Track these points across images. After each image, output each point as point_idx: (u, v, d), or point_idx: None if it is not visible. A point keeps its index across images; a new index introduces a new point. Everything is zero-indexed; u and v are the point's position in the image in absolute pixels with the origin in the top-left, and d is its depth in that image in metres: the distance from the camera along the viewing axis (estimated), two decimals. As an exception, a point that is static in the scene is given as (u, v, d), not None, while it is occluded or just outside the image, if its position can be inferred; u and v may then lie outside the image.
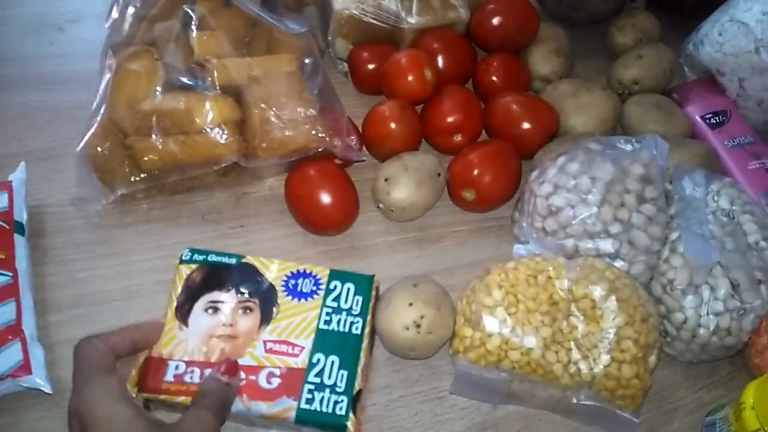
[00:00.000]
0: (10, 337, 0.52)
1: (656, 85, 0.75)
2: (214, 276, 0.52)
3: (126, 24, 0.64)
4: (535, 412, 0.55)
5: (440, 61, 0.71)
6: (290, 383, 0.48)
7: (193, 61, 0.61)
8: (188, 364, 0.48)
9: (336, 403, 0.47)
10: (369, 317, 0.51)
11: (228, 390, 0.46)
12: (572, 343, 0.51)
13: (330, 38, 0.74)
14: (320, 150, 0.61)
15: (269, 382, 0.48)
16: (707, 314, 0.54)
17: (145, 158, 0.59)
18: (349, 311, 0.51)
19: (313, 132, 0.61)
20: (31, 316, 0.54)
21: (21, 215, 0.59)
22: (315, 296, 0.51)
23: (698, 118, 0.73)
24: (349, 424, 0.47)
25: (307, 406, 0.47)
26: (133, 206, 0.63)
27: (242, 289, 0.51)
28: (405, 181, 0.62)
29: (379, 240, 0.64)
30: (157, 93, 0.60)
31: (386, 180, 0.62)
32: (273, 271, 0.52)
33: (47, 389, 0.51)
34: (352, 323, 0.50)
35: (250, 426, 0.52)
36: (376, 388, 0.55)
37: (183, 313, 0.50)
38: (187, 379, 0.47)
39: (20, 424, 0.51)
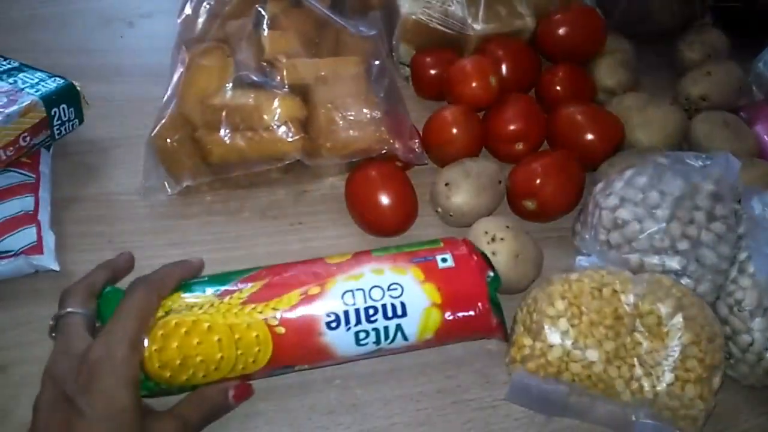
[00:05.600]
0: (26, 222, 0.57)
1: (724, 102, 0.73)
2: None
3: (199, 20, 0.66)
4: (591, 427, 0.54)
5: (504, 68, 0.70)
6: None
7: (264, 59, 0.62)
8: None
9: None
10: None
11: (223, 408, 0.47)
12: (635, 359, 0.50)
13: (394, 42, 0.74)
14: (383, 152, 0.61)
15: None
16: (775, 338, 0.53)
17: (213, 152, 0.60)
18: None
19: (377, 134, 0.61)
20: (46, 211, 0.59)
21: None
22: None
23: (767, 138, 0.71)
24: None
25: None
26: (197, 199, 0.64)
27: None
28: (466, 187, 0.61)
29: (436, 245, 0.64)
30: (228, 89, 0.61)
31: (447, 185, 0.62)
32: None
33: (55, 267, 0.56)
34: None
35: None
36: (428, 392, 0.55)
37: None
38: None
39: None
